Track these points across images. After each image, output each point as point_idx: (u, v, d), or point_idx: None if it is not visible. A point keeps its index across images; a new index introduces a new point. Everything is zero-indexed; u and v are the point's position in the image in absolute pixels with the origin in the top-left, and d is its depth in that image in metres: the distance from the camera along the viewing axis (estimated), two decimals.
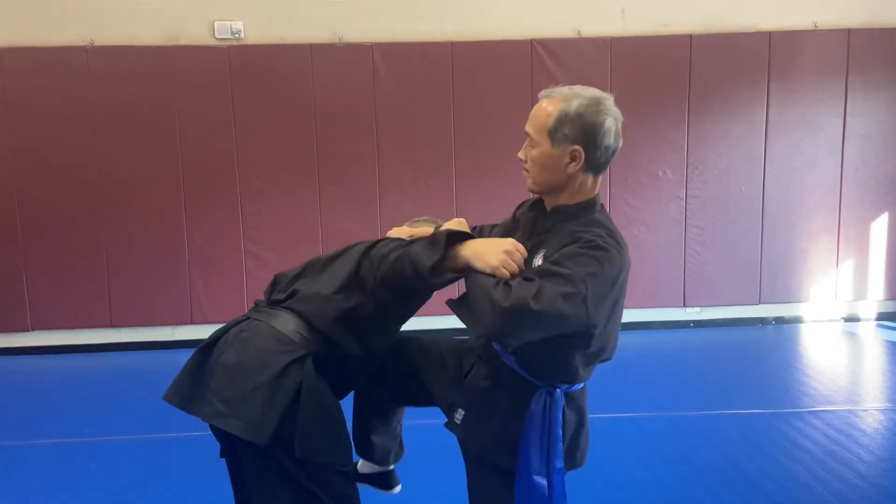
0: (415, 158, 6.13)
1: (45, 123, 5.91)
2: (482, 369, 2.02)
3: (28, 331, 6.11)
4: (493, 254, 1.76)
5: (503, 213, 6.26)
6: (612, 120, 1.84)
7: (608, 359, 1.95)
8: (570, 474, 2.01)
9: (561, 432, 1.89)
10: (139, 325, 6.18)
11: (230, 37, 6.01)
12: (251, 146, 6.06)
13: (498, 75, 6.05)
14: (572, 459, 1.99)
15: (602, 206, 1.91)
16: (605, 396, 4.69)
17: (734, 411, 4.40)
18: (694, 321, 6.55)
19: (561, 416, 1.88)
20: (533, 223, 1.97)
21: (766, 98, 6.27)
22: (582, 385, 1.98)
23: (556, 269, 1.67)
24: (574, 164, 1.82)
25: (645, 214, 6.33)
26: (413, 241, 1.95)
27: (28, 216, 5.98)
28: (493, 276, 1.74)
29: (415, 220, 2.45)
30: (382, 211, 6.12)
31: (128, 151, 5.99)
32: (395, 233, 2.33)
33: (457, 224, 2.14)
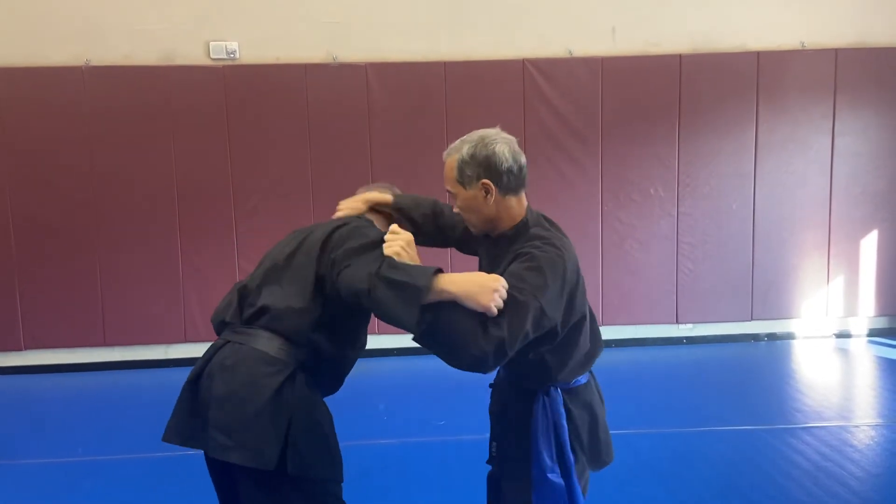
0: (408, 177, 6.15)
1: (40, 143, 5.94)
2: (493, 398, 2.23)
3: (21, 350, 6.09)
4: (485, 294, 1.80)
5: None
6: (502, 145, 2.01)
7: (592, 353, 2.10)
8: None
9: (566, 425, 2.00)
10: (133, 343, 6.17)
11: (225, 57, 6.06)
12: (246, 165, 6.09)
13: (491, 94, 6.11)
14: (597, 457, 2.11)
15: (537, 218, 2.08)
16: None
17: (726, 428, 4.41)
18: (686, 337, 6.58)
19: (563, 411, 2.01)
20: (486, 249, 2.19)
21: (756, 116, 6.34)
22: (582, 382, 2.09)
23: (511, 292, 1.82)
24: (489, 195, 2.00)
25: (637, 231, 6.37)
26: (380, 265, 1.84)
27: (23, 235, 5.98)
28: (470, 311, 1.80)
29: (369, 186, 2.40)
30: None
31: (123, 170, 6.01)
32: (346, 205, 2.27)
33: (403, 240, 1.97)
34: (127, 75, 5.97)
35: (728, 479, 3.68)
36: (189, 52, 6.06)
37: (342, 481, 2.10)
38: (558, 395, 2.01)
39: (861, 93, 6.37)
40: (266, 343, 2.00)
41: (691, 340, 6.58)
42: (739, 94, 6.32)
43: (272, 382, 1.95)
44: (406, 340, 6.96)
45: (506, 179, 1.99)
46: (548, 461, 1.98)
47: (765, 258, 6.48)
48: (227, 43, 6.07)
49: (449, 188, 2.08)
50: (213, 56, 6.07)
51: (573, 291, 1.95)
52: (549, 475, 1.98)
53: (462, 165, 2.02)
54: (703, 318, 6.53)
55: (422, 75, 6.14)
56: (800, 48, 6.34)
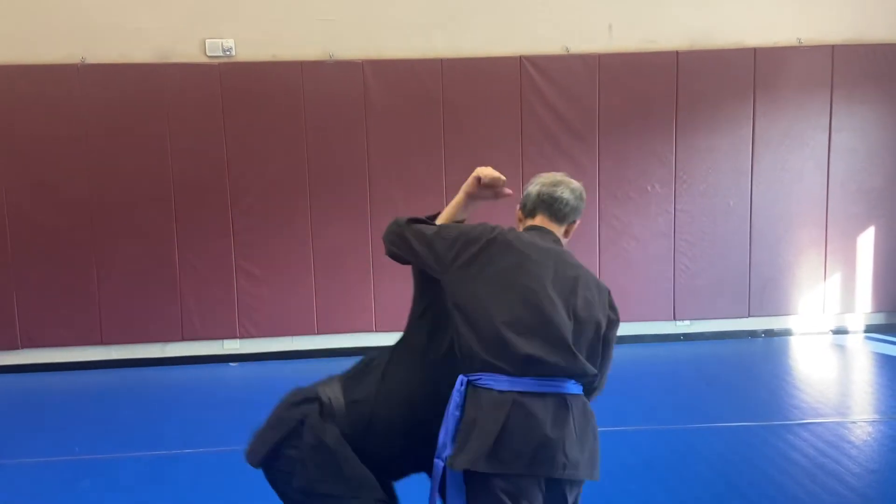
0: (405, 174, 6.16)
1: (35, 141, 5.91)
2: None
3: (18, 349, 6.07)
4: (472, 177, 2.35)
5: None
6: (538, 179, 2.36)
7: (488, 343, 2.05)
8: None
9: (458, 414, 2.08)
10: (129, 342, 6.14)
11: (221, 54, 6.05)
12: (242, 163, 6.08)
13: (487, 91, 6.10)
14: (458, 455, 2.03)
15: (522, 229, 2.34)
16: (594, 409, 4.70)
17: (724, 424, 4.42)
18: (684, 334, 6.58)
19: (459, 401, 2.08)
20: None
21: (753, 113, 6.34)
22: (490, 385, 2.05)
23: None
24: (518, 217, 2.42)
25: (634, 228, 6.37)
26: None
27: (18, 234, 5.96)
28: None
29: None
30: (374, 227, 6.14)
31: (119, 169, 5.99)
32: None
33: None
34: (122, 73, 5.95)
35: (725, 476, 3.69)
36: (185, 50, 6.04)
37: (356, 497, 2.11)
38: (462, 385, 2.09)
39: (857, 89, 6.37)
40: (327, 381, 2.27)
41: (689, 337, 6.58)
42: (736, 91, 6.32)
43: (295, 398, 2.21)
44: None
45: (523, 205, 2.37)
46: (439, 444, 2.08)
47: (762, 255, 6.48)
48: (223, 40, 6.05)
49: None
50: (209, 54, 6.05)
51: (479, 253, 2.14)
52: (437, 459, 2.08)
53: None
54: (700, 314, 6.53)
55: (419, 72, 6.12)
56: (796, 45, 6.34)
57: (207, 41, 6.05)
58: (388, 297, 6.09)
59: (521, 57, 6.16)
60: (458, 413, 2.07)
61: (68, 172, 5.96)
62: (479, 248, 2.13)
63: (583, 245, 6.24)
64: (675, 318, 6.51)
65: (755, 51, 6.29)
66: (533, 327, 2.06)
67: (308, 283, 6.15)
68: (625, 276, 6.37)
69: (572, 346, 2.07)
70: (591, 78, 6.22)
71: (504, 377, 2.04)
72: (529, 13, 6.22)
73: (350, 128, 6.12)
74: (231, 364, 6.11)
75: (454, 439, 2.06)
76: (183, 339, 6.12)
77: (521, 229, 2.33)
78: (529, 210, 2.34)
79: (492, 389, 2.05)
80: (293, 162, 6.10)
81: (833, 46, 6.33)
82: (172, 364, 6.02)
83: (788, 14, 6.36)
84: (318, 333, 6.17)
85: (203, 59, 6.06)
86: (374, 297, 6.15)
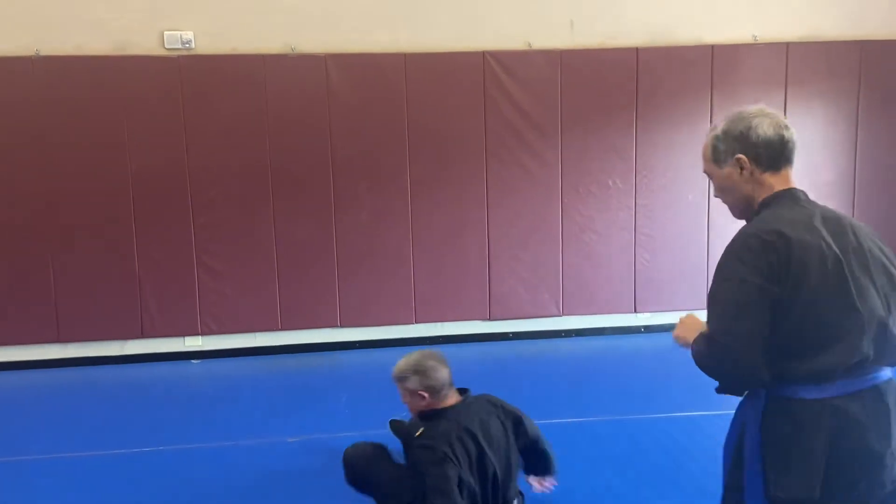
0: (369, 168, 6.14)
1: None
2: None
3: None
4: None
5: (457, 222, 6.30)
6: (760, 118, 1.89)
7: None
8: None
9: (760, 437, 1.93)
10: (87, 339, 6.03)
11: (180, 47, 5.96)
12: (202, 157, 6.00)
13: (451, 86, 6.11)
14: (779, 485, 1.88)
15: (786, 196, 1.88)
16: (557, 401, 4.77)
17: (682, 413, 4.51)
18: (644, 326, 6.69)
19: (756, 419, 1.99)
20: None
21: (710, 108, 6.46)
22: (791, 394, 1.87)
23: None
24: (744, 171, 1.91)
25: (596, 223, 6.46)
26: None
27: None
28: None
29: None
30: (337, 221, 6.12)
31: (75, 163, 5.87)
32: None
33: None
34: (79, 66, 5.83)
35: (683, 465, 3.77)
36: (143, 42, 5.93)
37: None
38: (760, 399, 2.01)
39: (811, 86, 6.53)
40: None
41: (649, 329, 6.69)
42: (695, 87, 6.43)
43: None
44: (369, 333, 6.83)
45: (759, 151, 1.89)
46: (747, 476, 1.99)
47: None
48: (183, 33, 5.96)
49: (705, 170, 2.03)
50: (167, 46, 5.96)
51: (768, 266, 1.82)
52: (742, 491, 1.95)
53: (716, 142, 1.96)
54: (660, 307, 6.64)
55: (382, 67, 6.11)
56: (752, 42, 6.48)
57: (166, 33, 5.95)
58: (352, 292, 6.07)
59: (484, 52, 6.19)
60: (759, 435, 1.82)
61: (23, 166, 5.82)
62: (753, 246, 1.93)
63: (546, 239, 6.31)
64: (635, 311, 6.62)
65: (713, 48, 6.41)
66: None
67: (271, 278, 6.10)
68: (587, 269, 6.45)
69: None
70: (553, 73, 6.27)
71: (812, 386, 1.77)
72: (492, 9, 6.25)
73: (313, 122, 6.08)
74: (193, 361, 6.05)
75: (767, 466, 1.79)
76: (143, 336, 6.02)
77: (749, 183, 1.91)
78: (772, 160, 1.88)
79: (802, 399, 1.78)
80: (255, 156, 6.05)
81: (788, 44, 6.48)
82: (132, 362, 5.92)
83: (745, 12, 6.49)
84: (282, 329, 6.12)
85: (161, 52, 5.96)
86: (338, 292, 6.12)
